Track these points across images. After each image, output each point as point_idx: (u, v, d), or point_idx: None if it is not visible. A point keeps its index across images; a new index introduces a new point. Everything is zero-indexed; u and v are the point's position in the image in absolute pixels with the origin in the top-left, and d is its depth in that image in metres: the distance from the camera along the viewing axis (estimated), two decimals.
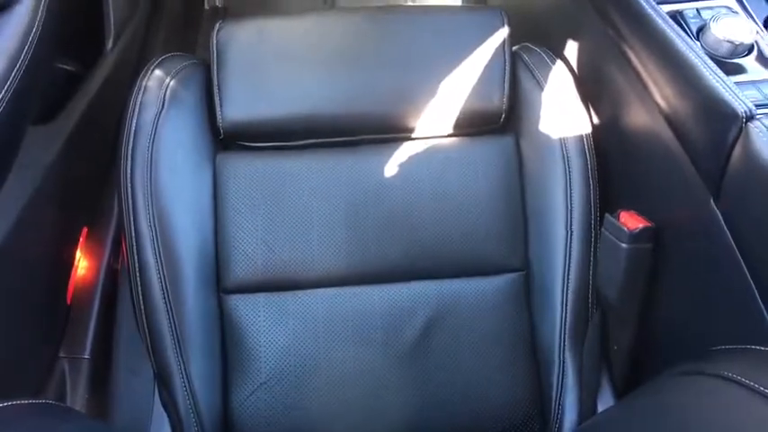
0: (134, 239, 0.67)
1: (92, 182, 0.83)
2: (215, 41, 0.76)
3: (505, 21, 0.79)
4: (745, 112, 0.50)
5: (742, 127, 0.50)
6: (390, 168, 0.75)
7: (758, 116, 0.51)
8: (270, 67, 0.76)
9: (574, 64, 0.79)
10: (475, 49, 0.77)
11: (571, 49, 0.80)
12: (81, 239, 0.79)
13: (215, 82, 0.74)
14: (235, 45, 0.76)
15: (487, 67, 0.77)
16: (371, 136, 0.76)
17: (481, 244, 0.73)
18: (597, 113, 0.75)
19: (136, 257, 0.67)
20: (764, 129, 0.49)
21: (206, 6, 1.30)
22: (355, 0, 1.31)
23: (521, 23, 0.91)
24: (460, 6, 1.27)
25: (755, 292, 0.49)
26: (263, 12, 1.30)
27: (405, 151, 0.76)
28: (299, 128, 0.76)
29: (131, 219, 0.67)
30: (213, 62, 0.75)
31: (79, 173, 0.77)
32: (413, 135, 0.77)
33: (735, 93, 0.52)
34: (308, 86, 0.76)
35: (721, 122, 0.52)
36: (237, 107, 0.74)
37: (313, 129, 0.76)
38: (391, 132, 0.76)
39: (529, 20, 0.93)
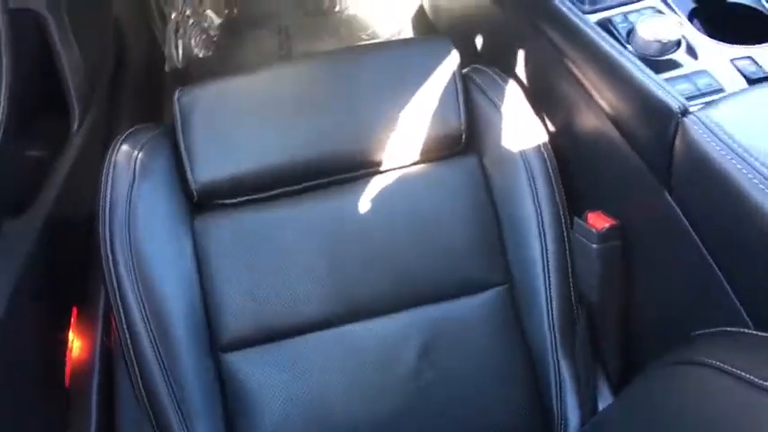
0: (122, 313, 0.68)
1: (75, 261, 0.84)
2: (177, 108, 0.78)
3: (452, 47, 0.82)
4: (679, 107, 0.53)
5: (678, 122, 0.53)
6: (364, 204, 0.77)
7: (692, 108, 0.54)
8: (234, 124, 0.78)
9: (523, 78, 0.83)
10: (428, 78, 0.80)
11: (519, 65, 0.83)
12: (72, 320, 0.80)
13: (182, 147, 0.76)
14: (197, 109, 0.78)
15: (442, 94, 0.80)
16: (341, 176, 0.79)
17: (462, 264, 0.75)
18: (552, 122, 0.78)
19: (126, 330, 0.68)
20: (698, 121, 0.52)
21: (167, 69, 1.33)
22: (310, 44, 1.35)
23: (469, 46, 0.95)
24: (410, 39, 1.31)
25: (719, 274, 0.52)
26: (224, 66, 1.34)
27: (376, 185, 0.78)
28: (270, 178, 0.78)
29: (117, 293, 0.69)
30: (178, 129, 0.77)
31: (60, 255, 0.79)
32: (381, 168, 0.79)
33: (667, 91, 0.55)
34: (273, 137, 0.78)
35: (659, 120, 0.55)
36: (207, 169, 0.76)
37: (284, 177, 0.78)
38: (360, 169, 0.79)
39: (476, 42, 0.97)
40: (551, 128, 0.78)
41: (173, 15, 1.33)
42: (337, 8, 1.43)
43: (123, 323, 0.68)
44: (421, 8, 1.32)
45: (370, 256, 0.75)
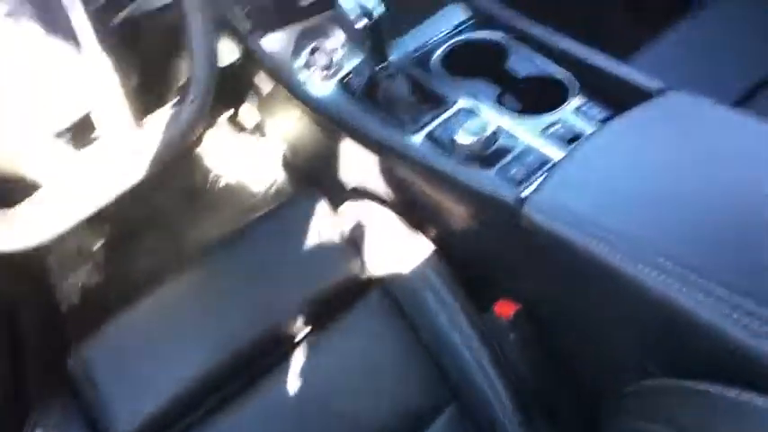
0: None
1: None
2: (72, 373, 0.76)
3: (319, 194, 0.86)
4: (515, 200, 0.58)
5: (519, 213, 0.57)
6: (294, 382, 0.76)
7: (526, 192, 0.58)
8: (140, 356, 0.77)
9: (392, 200, 0.87)
10: (308, 233, 0.83)
11: (383, 190, 0.88)
12: None
13: (94, 409, 0.73)
14: (96, 363, 0.76)
15: (327, 242, 0.83)
16: (264, 361, 0.78)
17: (409, 400, 0.75)
18: (433, 233, 0.82)
19: None
20: (534, 207, 0.56)
21: (64, 310, 1.30)
22: (199, 232, 1.36)
23: (337, 182, 1.00)
24: (281, 205, 1.35)
25: (616, 331, 0.55)
26: (121, 286, 1.32)
27: (299, 358, 0.78)
28: (196, 396, 0.76)
29: None
30: (83, 392, 0.74)
31: None
32: (297, 340, 0.80)
33: (499, 189, 0.60)
34: (184, 353, 0.77)
35: (503, 215, 0.59)
36: (127, 417, 0.73)
37: (209, 388, 0.76)
38: (280, 348, 0.79)
39: (340, 178, 1.02)
40: (433, 236, 0.82)
41: (54, 260, 1.33)
42: (208, 185, 1.47)
43: None
44: (285, 156, 1.39)
45: (319, 428, 0.73)
